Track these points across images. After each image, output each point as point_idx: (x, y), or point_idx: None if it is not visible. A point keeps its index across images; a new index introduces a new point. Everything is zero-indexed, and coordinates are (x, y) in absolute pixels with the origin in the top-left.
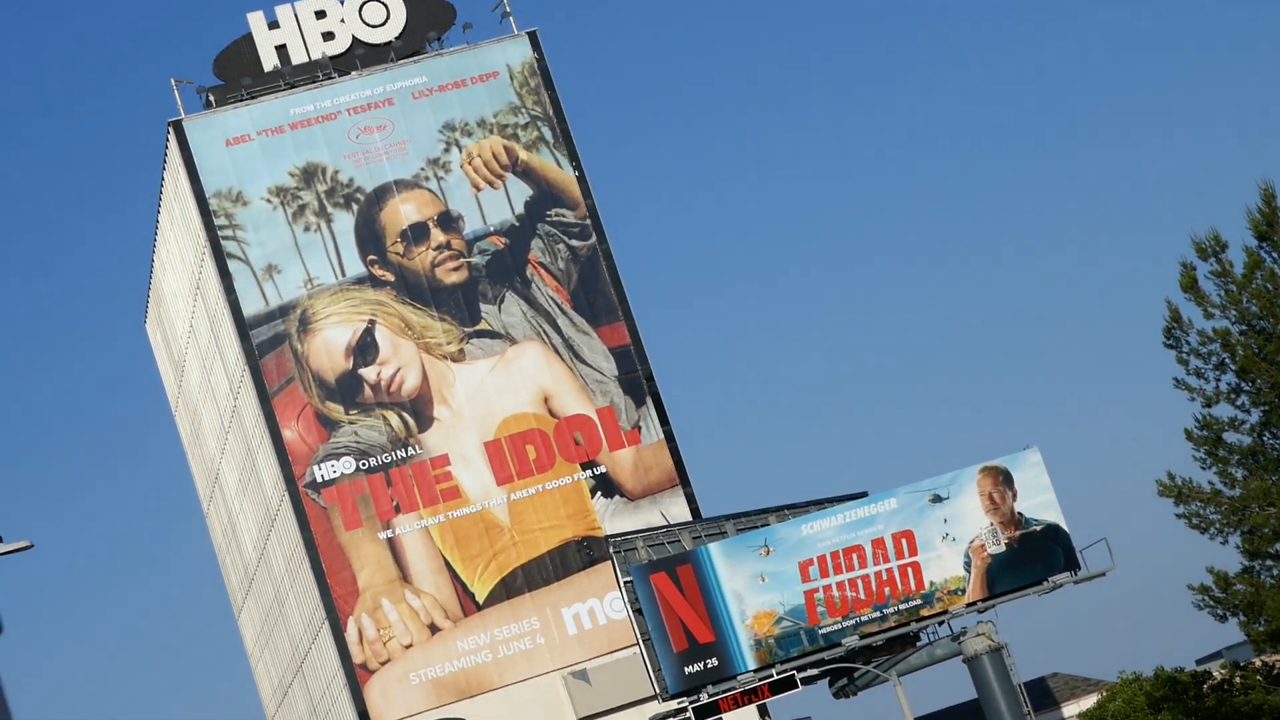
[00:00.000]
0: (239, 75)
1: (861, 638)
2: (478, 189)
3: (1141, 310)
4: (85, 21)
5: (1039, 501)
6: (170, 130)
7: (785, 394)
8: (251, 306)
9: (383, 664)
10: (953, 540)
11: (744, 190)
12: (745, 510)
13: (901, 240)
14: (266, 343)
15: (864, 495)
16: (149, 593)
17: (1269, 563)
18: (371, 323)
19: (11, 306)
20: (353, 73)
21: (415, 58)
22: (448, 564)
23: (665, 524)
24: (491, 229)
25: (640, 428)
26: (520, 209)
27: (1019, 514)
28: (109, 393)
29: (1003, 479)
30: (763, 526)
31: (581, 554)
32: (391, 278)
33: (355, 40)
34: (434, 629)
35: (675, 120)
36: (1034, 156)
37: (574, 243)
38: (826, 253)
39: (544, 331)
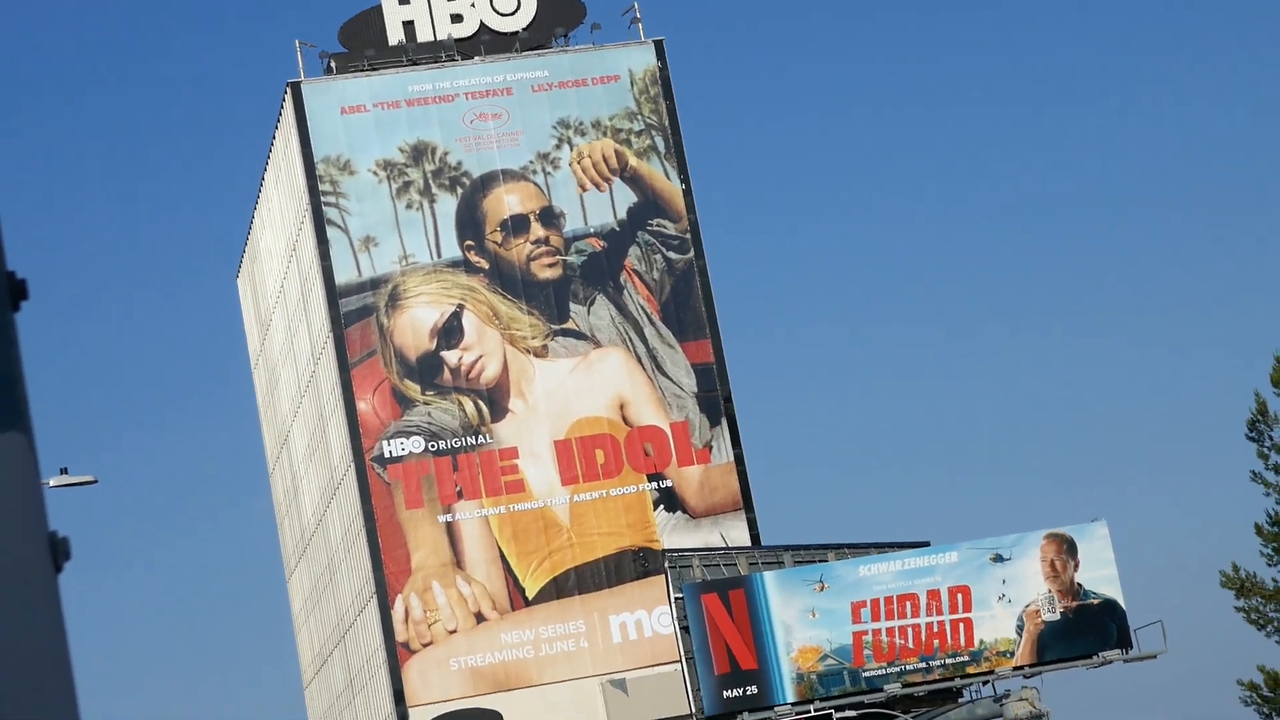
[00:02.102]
0: (363, 46)
1: (904, 686)
2: (583, 189)
3: (1227, 398)
4: None
5: (1100, 575)
6: (288, 91)
7: (859, 434)
8: (344, 275)
9: (425, 645)
10: (1008, 601)
11: (849, 227)
12: (805, 544)
13: (999, 302)
14: (354, 313)
15: (926, 545)
16: (204, 543)
17: None
18: (460, 307)
19: (110, 240)
20: (476, 58)
21: (539, 51)
22: (502, 555)
23: (724, 546)
24: (591, 230)
25: (711, 447)
26: (623, 214)
27: (1078, 585)
28: (192, 339)
29: (1067, 547)
30: (820, 562)
31: (636, 564)
32: (486, 265)
33: (483, 26)
34: (480, 618)
35: (791, 146)
36: (1133, 232)
37: (671, 255)
38: (922, 302)
39: (629, 339)
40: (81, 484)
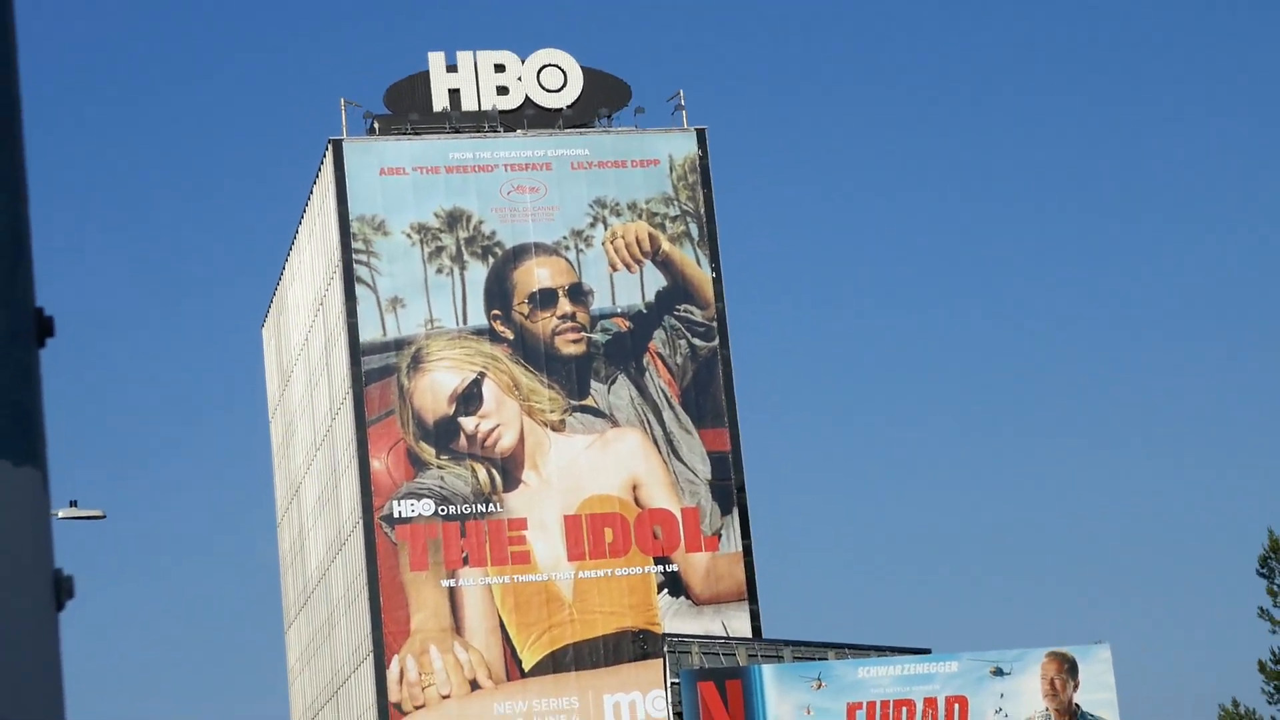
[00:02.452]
0: (408, 109)
1: None
2: (614, 269)
3: (1241, 532)
4: (270, 25)
5: (1099, 698)
6: (329, 147)
7: (869, 533)
8: (369, 334)
9: (417, 708)
10: (1005, 716)
11: (874, 325)
12: (806, 640)
13: (1023, 413)
14: (375, 371)
15: (927, 651)
16: (206, 586)
17: None
18: (481, 375)
19: (140, 277)
20: (518, 131)
21: (582, 129)
22: (502, 625)
23: (724, 635)
24: (619, 310)
25: (721, 535)
26: (651, 297)
27: (1076, 705)
28: (212, 383)
29: (1068, 667)
30: (820, 659)
31: (635, 645)
32: (510, 336)
33: (528, 100)
34: (475, 685)
35: (823, 241)
36: (1159, 351)
37: (696, 341)
38: (944, 407)
39: (648, 421)
40: (90, 518)
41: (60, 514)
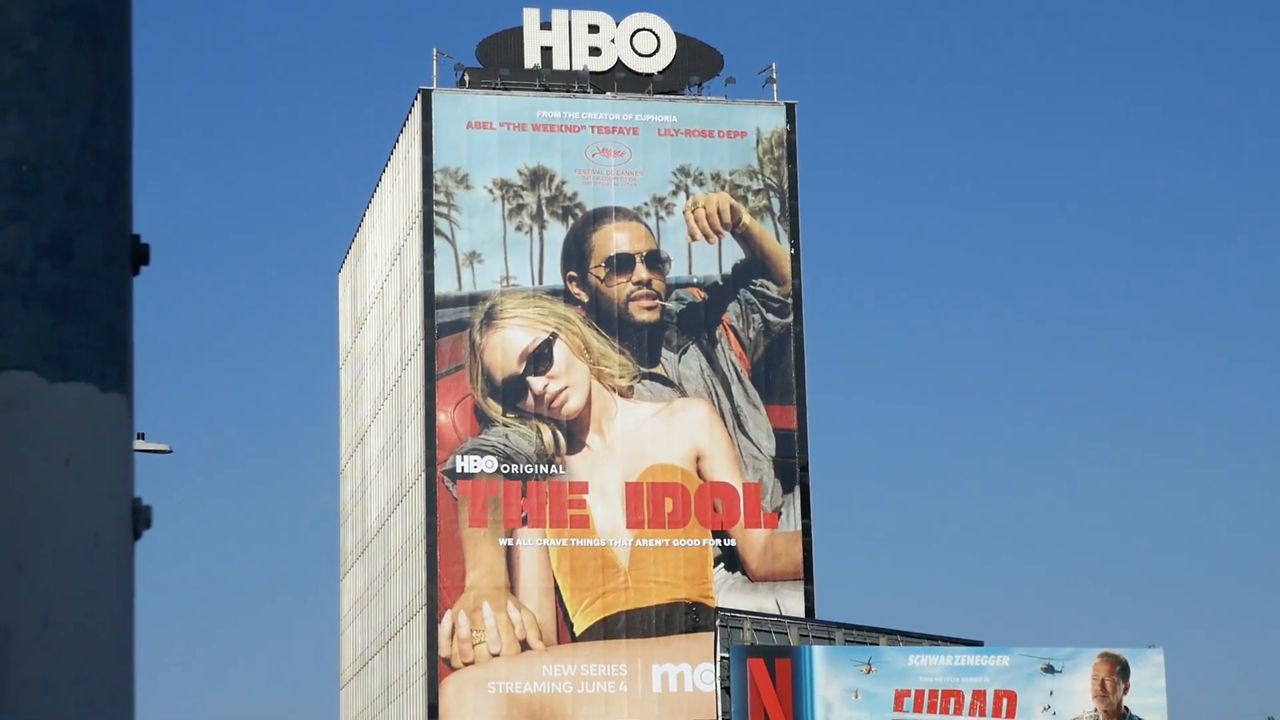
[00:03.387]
0: (499, 64)
1: None
2: (693, 238)
3: None
4: None
5: (1149, 702)
6: (418, 97)
7: (930, 520)
8: (444, 287)
9: (466, 664)
10: (1053, 714)
11: (951, 312)
12: (858, 624)
13: (1093, 413)
14: (448, 325)
15: (979, 644)
16: (266, 527)
17: None
18: (553, 335)
19: (221, 213)
20: (608, 93)
21: (671, 96)
22: (556, 588)
23: (777, 614)
24: (695, 280)
25: (781, 513)
26: (728, 269)
27: (1125, 708)
28: (286, 325)
29: (1120, 669)
30: (871, 644)
31: (688, 618)
32: (585, 298)
33: (619, 63)
34: (525, 646)
35: (906, 222)
36: (1232, 357)
37: (770, 317)
38: (1016, 398)
39: (716, 393)
40: (156, 451)
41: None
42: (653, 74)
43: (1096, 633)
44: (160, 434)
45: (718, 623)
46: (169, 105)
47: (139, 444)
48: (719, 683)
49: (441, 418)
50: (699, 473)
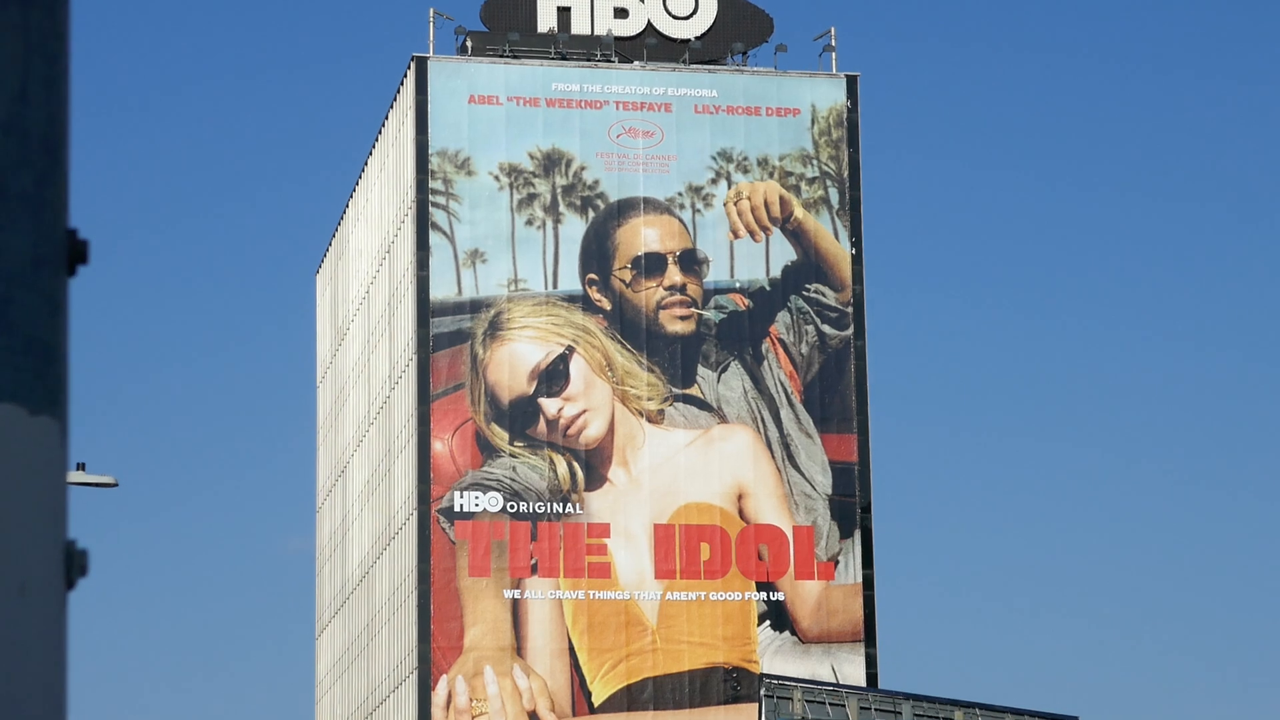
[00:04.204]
0: (506, 27)
1: None
2: (735, 235)
3: None
4: None
5: None
6: (412, 65)
7: (1014, 574)
8: (441, 291)
9: None
10: None
11: (1042, 325)
12: (930, 695)
13: (1214, 447)
14: (445, 336)
15: None
16: (229, 576)
17: None
18: (570, 350)
19: (176, 204)
20: (636, 62)
21: (711, 66)
22: (572, 649)
23: (834, 682)
24: (737, 285)
25: (838, 563)
26: (776, 272)
27: None
28: (254, 336)
29: None
30: (945, 719)
31: (727, 685)
32: (608, 306)
33: (650, 26)
34: (534, 718)
35: (987, 220)
36: None
37: (826, 329)
38: (1120, 428)
39: (761, 419)
40: (98, 485)
41: (67, 478)
42: (689, 40)
43: (1215, 711)
44: (103, 465)
45: (763, 692)
46: (113, 77)
47: (77, 476)
48: None
49: (437, 446)
50: (741, 514)
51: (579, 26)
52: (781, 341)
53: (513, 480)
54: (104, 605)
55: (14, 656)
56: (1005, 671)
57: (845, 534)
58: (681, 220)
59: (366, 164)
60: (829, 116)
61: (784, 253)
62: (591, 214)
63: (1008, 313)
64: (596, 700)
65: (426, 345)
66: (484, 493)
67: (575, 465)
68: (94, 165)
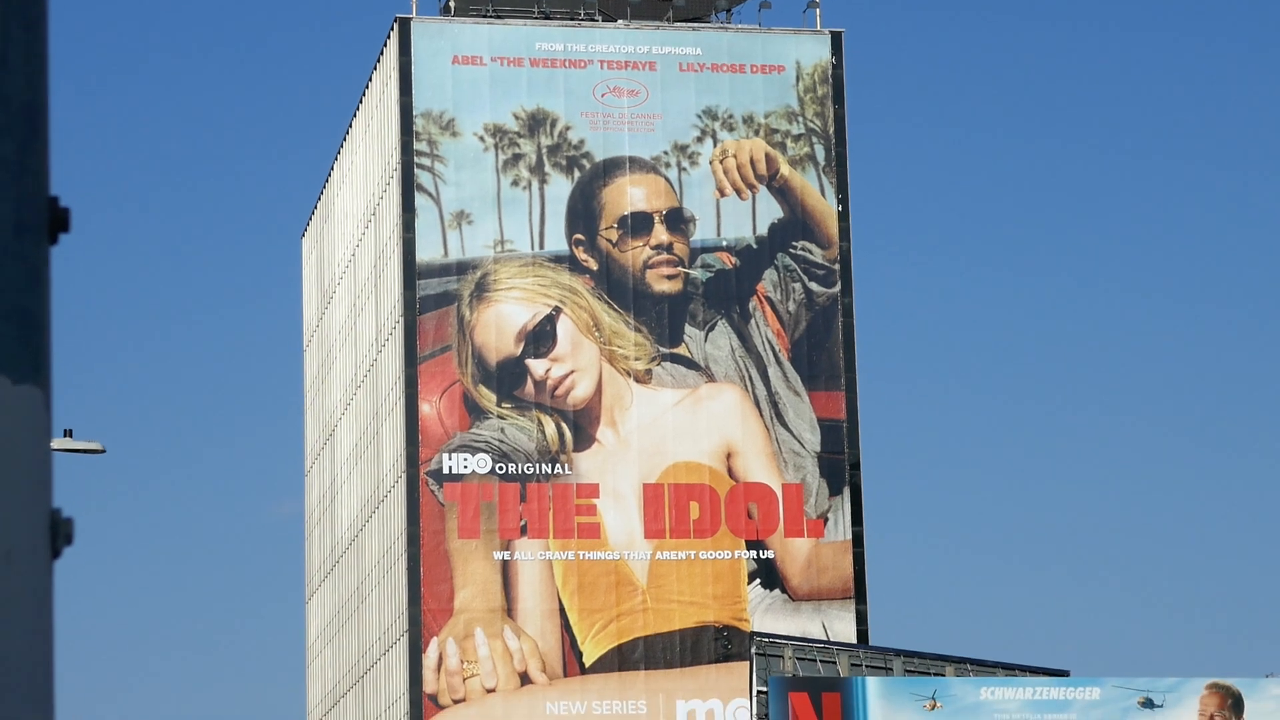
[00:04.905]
0: None
1: None
2: (722, 193)
3: None
4: None
5: None
6: (394, 27)
7: (1003, 530)
8: (427, 253)
9: (456, 702)
10: None
11: (1032, 283)
12: (920, 650)
13: (1198, 407)
14: (432, 298)
15: (1065, 674)
16: (217, 541)
17: None
18: (557, 310)
19: (160, 169)
20: (620, 21)
21: (695, 24)
22: (562, 609)
23: (824, 639)
24: (724, 243)
25: (827, 520)
26: (763, 230)
27: None
28: (239, 300)
29: (1232, 702)
30: (936, 675)
31: (718, 644)
32: (594, 266)
33: None
34: (525, 679)
35: (975, 176)
36: None
37: (813, 286)
38: (1103, 386)
39: (749, 377)
40: (85, 452)
41: (53, 445)
42: None
43: (1203, 660)
44: (90, 431)
45: (754, 650)
46: (95, 43)
47: (65, 443)
48: None
49: (425, 408)
50: (730, 472)
51: None
52: (769, 299)
53: (501, 442)
54: (93, 572)
55: (1, 623)
56: (996, 627)
57: (834, 491)
58: (667, 179)
59: (351, 126)
60: (814, 73)
61: (770, 210)
62: (577, 174)
63: (994, 268)
64: (587, 660)
65: (413, 307)
66: (472, 454)
67: (563, 426)
68: (76, 132)
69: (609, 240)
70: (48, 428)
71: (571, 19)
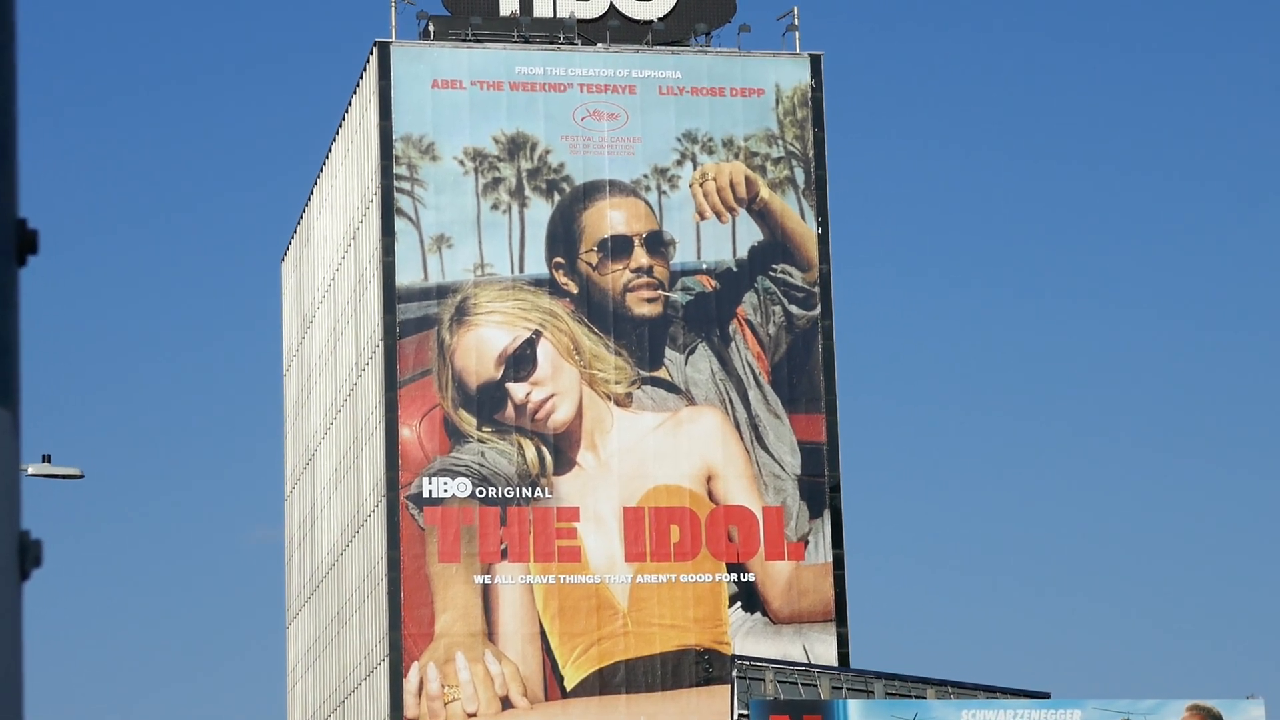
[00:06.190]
0: (469, 11)
1: None
2: (702, 216)
3: None
4: None
5: None
6: (374, 51)
7: (983, 553)
8: (407, 277)
9: None
10: None
11: (1012, 304)
12: (902, 673)
13: (1182, 426)
14: (412, 322)
15: (1046, 696)
16: (197, 566)
17: None
18: (537, 334)
19: (137, 193)
20: (599, 44)
21: (674, 47)
22: (543, 633)
23: (805, 662)
24: (704, 267)
25: (808, 543)
26: (743, 253)
27: None
28: (219, 324)
29: None
30: (917, 698)
31: (699, 667)
32: (574, 289)
33: (612, 8)
34: (507, 703)
35: (953, 200)
36: None
37: (793, 309)
38: (1085, 408)
39: (730, 400)
40: (65, 476)
41: (31, 470)
42: (652, 21)
43: (1184, 682)
44: (69, 457)
45: (735, 673)
46: (71, 65)
47: (44, 468)
48: None
49: (405, 432)
50: (710, 495)
51: (541, 10)
52: (749, 322)
53: (481, 465)
54: (72, 597)
55: None
56: (977, 649)
57: (815, 514)
58: (647, 202)
59: (330, 150)
60: (793, 96)
61: (750, 233)
62: (557, 197)
63: (975, 289)
64: (569, 684)
65: (393, 331)
66: (452, 478)
67: (544, 449)
68: (58, 155)
69: (589, 264)
70: (16, 450)
71: (551, 43)
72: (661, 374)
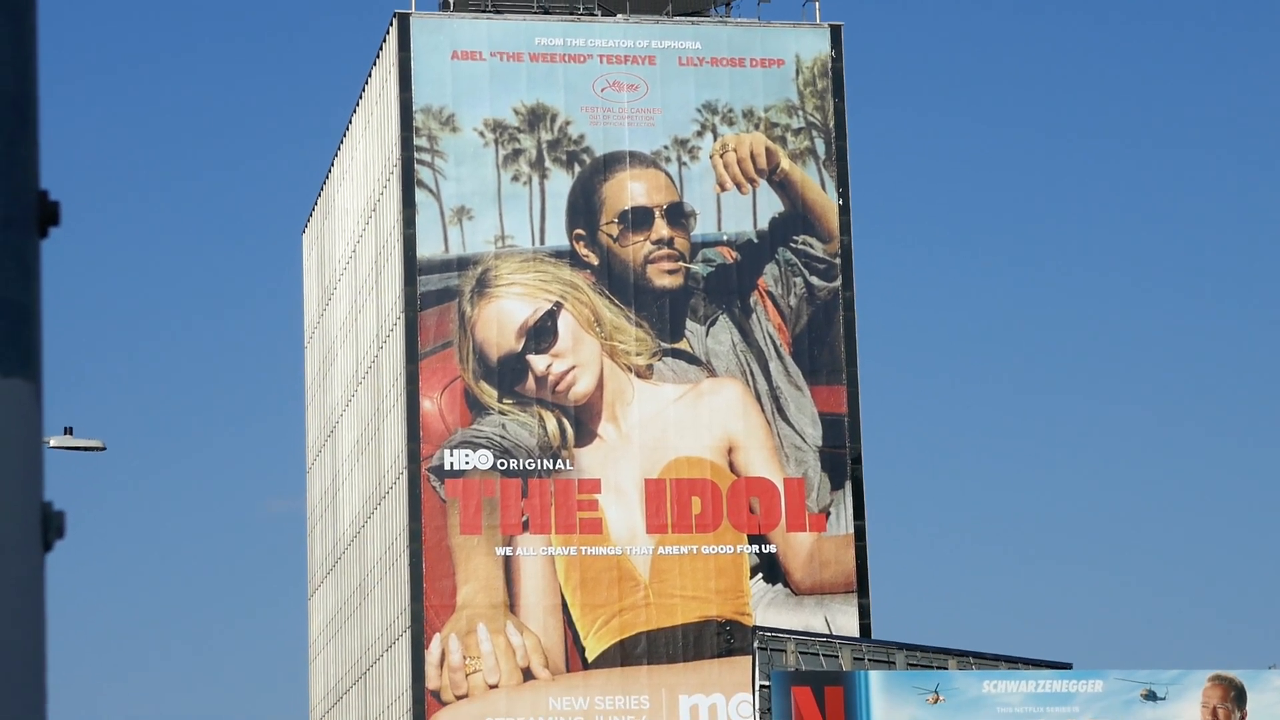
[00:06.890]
0: None
1: None
2: (722, 188)
3: None
4: None
5: None
6: (394, 22)
7: (1005, 523)
8: (428, 249)
9: (459, 698)
10: None
11: (1033, 275)
12: (923, 644)
13: (1206, 397)
14: (432, 294)
15: (1067, 667)
16: (219, 538)
17: None
18: (558, 305)
19: (159, 171)
20: (619, 15)
21: (694, 18)
22: (565, 605)
23: (827, 633)
24: (724, 238)
25: (829, 514)
26: (764, 224)
27: None
28: (240, 297)
29: (1235, 695)
30: (939, 669)
31: (720, 639)
32: (595, 261)
33: None
34: (528, 675)
35: (975, 170)
36: None
37: (814, 280)
38: (1107, 377)
39: (751, 372)
40: (87, 449)
41: (53, 442)
42: None
43: (1206, 653)
44: (91, 429)
45: (756, 644)
46: (91, 36)
47: (65, 440)
48: (758, 715)
49: (426, 405)
50: (732, 467)
51: None
52: (770, 294)
53: (502, 437)
54: (94, 569)
55: None
56: (998, 620)
57: (836, 485)
58: (668, 174)
59: (351, 122)
60: (813, 67)
61: (771, 204)
62: (577, 169)
63: (996, 261)
64: (590, 656)
65: (414, 303)
66: (474, 450)
67: (565, 421)
68: (79, 127)
69: (609, 235)
70: (38, 421)
71: (571, 13)
72: (682, 345)
